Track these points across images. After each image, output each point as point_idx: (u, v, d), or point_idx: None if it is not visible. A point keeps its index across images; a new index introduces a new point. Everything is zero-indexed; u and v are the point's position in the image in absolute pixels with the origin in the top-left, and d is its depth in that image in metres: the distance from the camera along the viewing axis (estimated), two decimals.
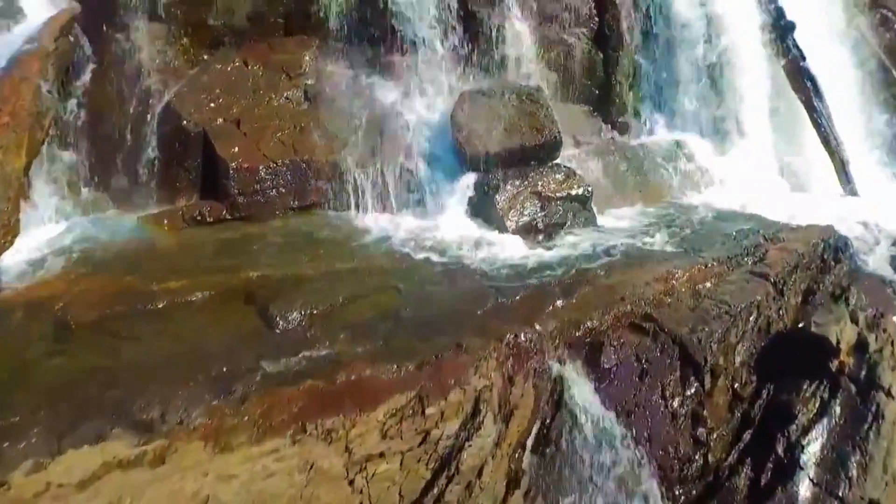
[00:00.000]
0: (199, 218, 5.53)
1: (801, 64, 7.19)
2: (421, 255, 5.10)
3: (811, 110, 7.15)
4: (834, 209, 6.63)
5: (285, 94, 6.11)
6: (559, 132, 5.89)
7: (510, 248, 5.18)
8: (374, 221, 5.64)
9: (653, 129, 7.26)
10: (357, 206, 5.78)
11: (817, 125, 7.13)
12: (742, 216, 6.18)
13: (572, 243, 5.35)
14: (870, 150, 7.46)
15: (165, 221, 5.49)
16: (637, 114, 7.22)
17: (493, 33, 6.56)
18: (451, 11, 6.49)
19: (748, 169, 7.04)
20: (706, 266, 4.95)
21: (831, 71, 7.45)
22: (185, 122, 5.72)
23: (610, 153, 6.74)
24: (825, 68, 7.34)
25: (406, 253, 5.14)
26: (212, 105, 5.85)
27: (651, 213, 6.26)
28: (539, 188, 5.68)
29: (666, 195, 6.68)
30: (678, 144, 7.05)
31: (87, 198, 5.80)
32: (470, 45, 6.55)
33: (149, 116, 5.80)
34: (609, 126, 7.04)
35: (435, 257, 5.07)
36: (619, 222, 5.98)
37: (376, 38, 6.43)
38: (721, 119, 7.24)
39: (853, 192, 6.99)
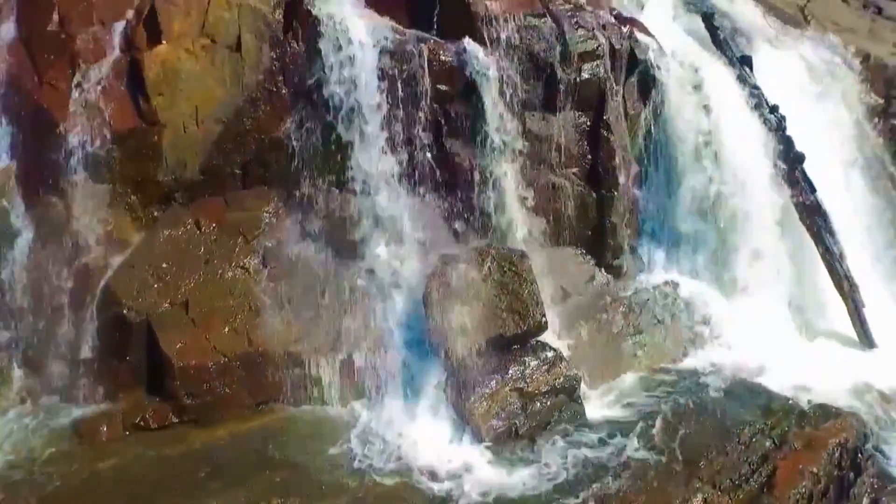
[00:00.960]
0: (141, 424, 4.89)
1: (811, 198, 6.48)
2: (383, 482, 4.47)
3: (823, 250, 6.44)
4: (850, 369, 5.98)
5: (241, 263, 5.42)
6: (543, 316, 5.21)
7: (481, 477, 4.53)
8: (334, 423, 4.99)
9: (651, 266, 6.56)
10: (318, 400, 5.13)
11: (830, 266, 6.42)
12: (749, 390, 5.55)
13: (554, 462, 4.69)
14: (887, 287, 6.74)
15: (103, 429, 4.85)
16: (633, 250, 6.52)
17: (474, 178, 5.87)
18: (425, 153, 5.82)
19: (755, 315, 6.34)
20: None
21: (843, 202, 6.75)
22: (125, 310, 5.06)
23: (602, 309, 6.04)
24: (836, 200, 6.65)
25: (366, 479, 4.50)
26: (157, 286, 5.17)
27: (648, 389, 5.60)
28: (520, 384, 5.02)
29: (666, 356, 6.01)
30: (677, 290, 6.34)
31: (21, 384, 5.18)
32: (447, 193, 5.88)
33: (88, 298, 5.14)
34: (602, 269, 6.34)
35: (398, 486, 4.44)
36: (610, 410, 5.32)
37: (341, 184, 5.75)
38: (725, 255, 6.54)
39: (870, 343, 6.30)
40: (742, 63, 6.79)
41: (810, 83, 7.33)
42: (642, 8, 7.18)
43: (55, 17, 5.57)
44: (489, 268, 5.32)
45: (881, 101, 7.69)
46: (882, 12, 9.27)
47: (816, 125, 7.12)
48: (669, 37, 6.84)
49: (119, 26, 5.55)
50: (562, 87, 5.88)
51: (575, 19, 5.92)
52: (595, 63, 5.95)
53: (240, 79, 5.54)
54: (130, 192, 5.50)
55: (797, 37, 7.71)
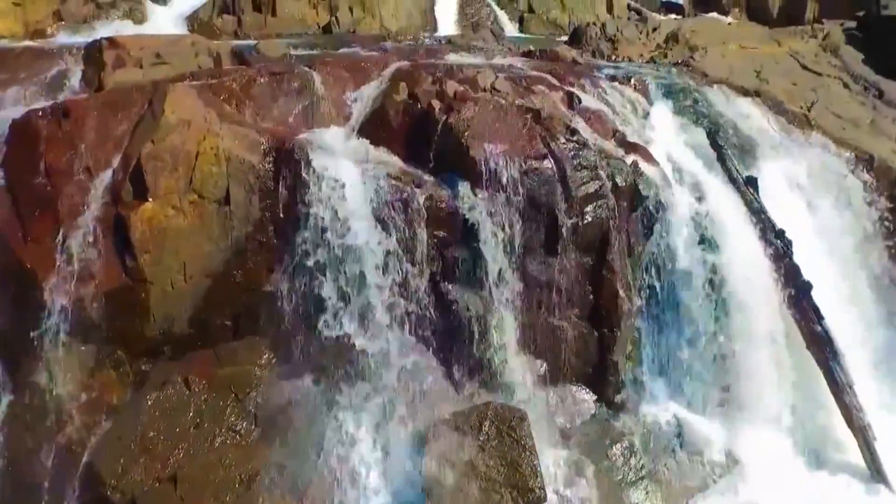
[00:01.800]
0: None
1: (819, 327, 6.18)
2: None
3: (831, 381, 6.15)
4: None
5: (233, 426, 5.13)
6: (542, 489, 4.91)
7: None
8: None
9: (654, 397, 6.27)
10: None
11: (839, 399, 6.13)
12: None
13: None
14: None
15: None
16: (636, 381, 6.22)
17: (472, 323, 5.58)
18: (421, 299, 5.53)
19: (762, 450, 6.06)
20: None
21: (851, 321, 6.47)
22: (109, 490, 4.76)
23: (605, 453, 5.76)
24: (843, 318, 6.37)
25: None
26: (143, 460, 4.87)
27: None
28: None
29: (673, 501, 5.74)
30: (681, 426, 6.06)
31: None
32: (445, 339, 5.59)
33: (69, 478, 4.85)
34: (604, 405, 6.05)
35: None
36: None
37: (335, 333, 5.45)
38: (730, 387, 6.25)
39: (883, 480, 6.01)
40: (748, 184, 6.50)
41: (815, 192, 7.05)
42: (646, 117, 6.94)
43: (41, 166, 5.28)
44: (487, 433, 5.03)
45: (889, 205, 7.40)
46: (883, 96, 8.99)
47: (822, 235, 6.88)
48: (673, 154, 6.59)
49: (106, 176, 5.27)
50: (563, 230, 5.58)
51: (577, 159, 5.62)
52: (598, 204, 5.66)
53: (229, 232, 5.26)
54: (117, 348, 5.22)
55: (802, 143, 7.42)
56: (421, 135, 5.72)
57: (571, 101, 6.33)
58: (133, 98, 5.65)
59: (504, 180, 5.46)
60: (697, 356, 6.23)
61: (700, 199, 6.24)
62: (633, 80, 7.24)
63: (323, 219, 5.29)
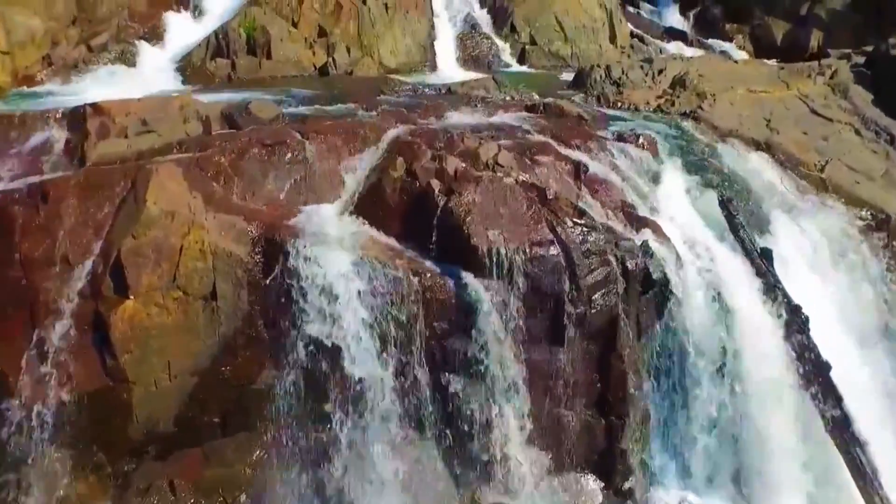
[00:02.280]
0: None
1: (838, 411, 5.82)
2: None
3: (852, 469, 5.79)
4: None
5: None
6: None
7: None
8: None
9: (663, 480, 5.92)
10: None
11: (861, 486, 5.77)
12: None
13: None
14: None
15: None
16: (644, 465, 5.86)
17: (474, 416, 5.22)
18: (420, 392, 5.18)
19: None
20: None
21: (874, 413, 6.10)
22: None
23: None
24: (866, 410, 5.99)
25: None
26: None
27: None
28: None
29: None
30: None
31: None
32: (445, 432, 5.24)
33: None
34: (612, 493, 5.69)
35: None
36: None
37: (328, 429, 5.10)
38: (742, 468, 5.90)
39: None
40: (762, 257, 6.13)
41: (831, 260, 6.69)
42: (656, 182, 6.58)
43: (17, 256, 4.92)
44: None
45: None
46: (895, 142, 8.64)
47: (839, 309, 6.52)
48: (685, 224, 6.23)
49: (85, 267, 4.91)
50: (570, 320, 5.22)
51: (585, 245, 5.25)
52: (607, 290, 5.29)
53: (216, 328, 4.89)
54: (97, 451, 4.86)
55: (816, 204, 7.05)
56: (420, 215, 5.35)
57: (578, 171, 5.96)
58: (115, 178, 5.28)
59: (507, 269, 5.10)
60: (709, 439, 5.89)
61: (712, 275, 5.88)
62: (641, 139, 6.88)
63: (316, 312, 4.94)
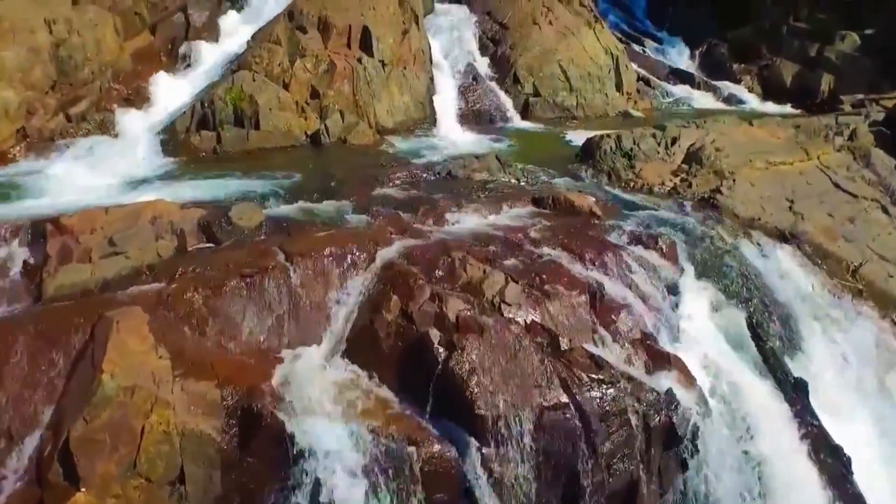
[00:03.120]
0: None
1: None
2: None
3: None
4: None
5: None
6: None
7: None
8: None
9: None
10: None
11: None
12: None
13: None
14: None
15: None
16: None
17: None
18: None
19: None
20: None
21: None
22: None
23: None
24: None
25: None
26: None
27: None
28: None
29: None
30: None
31: None
32: None
33: None
34: None
35: None
36: None
37: None
38: None
39: None
40: (797, 389, 5.41)
41: (872, 384, 5.96)
42: (675, 293, 5.85)
43: None
44: None
45: None
46: None
47: (882, 433, 5.80)
48: (709, 352, 5.50)
49: (31, 443, 4.18)
50: (586, 489, 4.50)
51: (604, 405, 4.52)
52: (627, 453, 4.56)
53: None
54: None
55: (850, 310, 6.32)
56: (418, 368, 4.61)
57: (594, 299, 5.23)
58: (72, 324, 4.56)
59: (516, 436, 4.37)
60: None
61: (741, 416, 5.16)
62: (659, 242, 6.15)
63: (302, 491, 4.21)
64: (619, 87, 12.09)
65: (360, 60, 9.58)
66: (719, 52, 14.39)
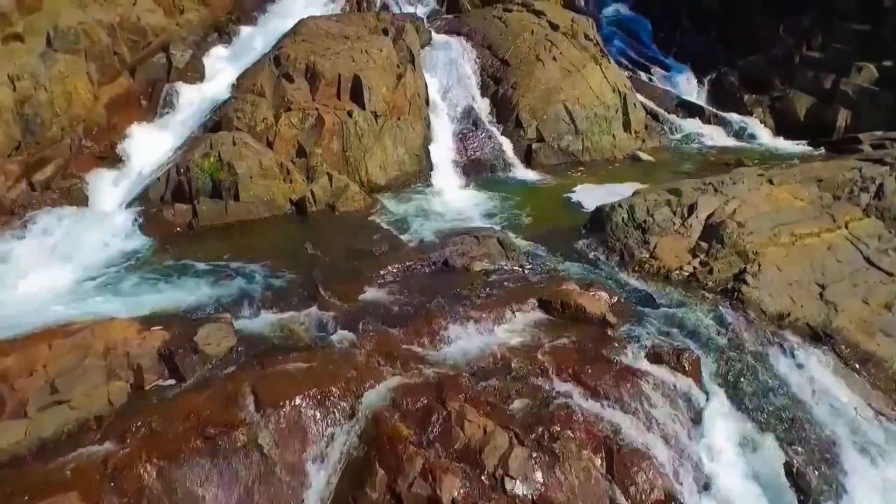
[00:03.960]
0: None
1: None
2: None
3: None
4: None
5: None
6: None
7: None
8: None
9: None
10: None
11: None
12: None
13: None
14: None
15: None
16: None
17: None
18: None
19: None
20: None
21: None
22: None
23: None
24: None
25: None
26: None
27: None
28: None
29: None
30: None
31: None
32: None
33: None
34: None
35: None
36: None
37: None
38: None
39: None
40: None
41: None
42: (698, 422, 5.06)
43: None
44: None
45: None
46: None
47: None
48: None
49: None
50: None
51: None
52: None
53: None
54: None
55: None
56: None
57: (610, 454, 4.43)
58: None
59: None
60: None
61: None
62: (682, 359, 5.35)
63: None
64: (626, 126, 11.21)
65: (350, 114, 8.72)
66: (729, 82, 13.48)
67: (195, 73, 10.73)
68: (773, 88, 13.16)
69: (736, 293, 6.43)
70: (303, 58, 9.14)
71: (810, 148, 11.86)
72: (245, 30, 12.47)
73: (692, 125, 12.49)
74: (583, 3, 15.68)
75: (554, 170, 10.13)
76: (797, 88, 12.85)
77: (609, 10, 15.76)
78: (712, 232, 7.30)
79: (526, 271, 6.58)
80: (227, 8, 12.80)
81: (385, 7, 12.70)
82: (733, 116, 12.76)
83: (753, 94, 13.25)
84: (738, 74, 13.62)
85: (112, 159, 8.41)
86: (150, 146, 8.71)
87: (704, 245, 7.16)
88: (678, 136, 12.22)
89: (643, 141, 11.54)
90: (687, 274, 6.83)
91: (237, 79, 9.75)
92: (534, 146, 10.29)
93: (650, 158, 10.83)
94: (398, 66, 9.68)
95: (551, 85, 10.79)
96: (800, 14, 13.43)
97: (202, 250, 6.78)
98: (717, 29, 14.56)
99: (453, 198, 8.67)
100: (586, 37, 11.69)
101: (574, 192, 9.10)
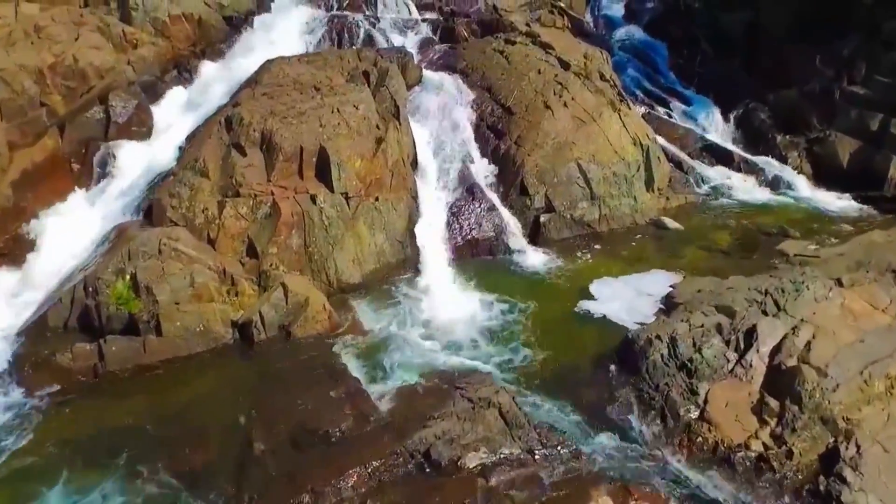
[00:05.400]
0: None
1: None
2: None
3: None
4: None
5: None
6: None
7: None
8: None
9: None
10: None
11: None
12: None
13: None
14: None
15: None
16: None
17: None
18: None
19: None
20: None
21: None
22: None
23: None
24: None
25: None
26: None
27: None
28: None
29: None
30: None
31: None
32: None
33: None
34: None
35: None
36: None
37: None
38: None
39: None
40: None
41: None
42: None
43: None
44: None
45: None
46: None
47: None
48: None
49: None
50: None
51: None
52: None
53: None
54: None
55: None
56: None
57: None
58: None
59: None
60: None
61: None
62: None
63: None
64: (649, 183, 9.03)
65: (314, 199, 6.55)
66: (759, 119, 11.22)
67: (140, 128, 8.54)
68: (809, 128, 10.90)
69: (833, 501, 4.34)
70: (259, 121, 6.96)
71: (858, 204, 9.69)
72: (208, 67, 10.22)
73: (720, 174, 10.29)
74: (592, 26, 13.41)
75: (565, 248, 7.96)
76: (838, 129, 10.58)
77: (621, 33, 13.45)
78: (783, 382, 5.19)
79: (537, 459, 4.47)
80: (190, 40, 10.53)
81: (369, 39, 10.44)
82: (766, 163, 10.55)
83: (787, 134, 10.99)
84: (769, 110, 11.38)
85: (12, 257, 6.29)
86: (67, 237, 6.59)
87: (774, 404, 5.06)
88: (705, 188, 10.03)
89: (667, 199, 9.35)
90: (755, 455, 4.73)
91: (184, 141, 7.61)
92: (542, 219, 8.11)
93: (677, 226, 8.66)
94: (378, 126, 7.50)
95: (562, 139, 8.59)
96: (840, 41, 11.15)
97: (105, 417, 4.70)
98: (741, 55, 12.28)
99: (443, 302, 6.52)
100: (602, 76, 9.45)
101: (592, 287, 6.96)
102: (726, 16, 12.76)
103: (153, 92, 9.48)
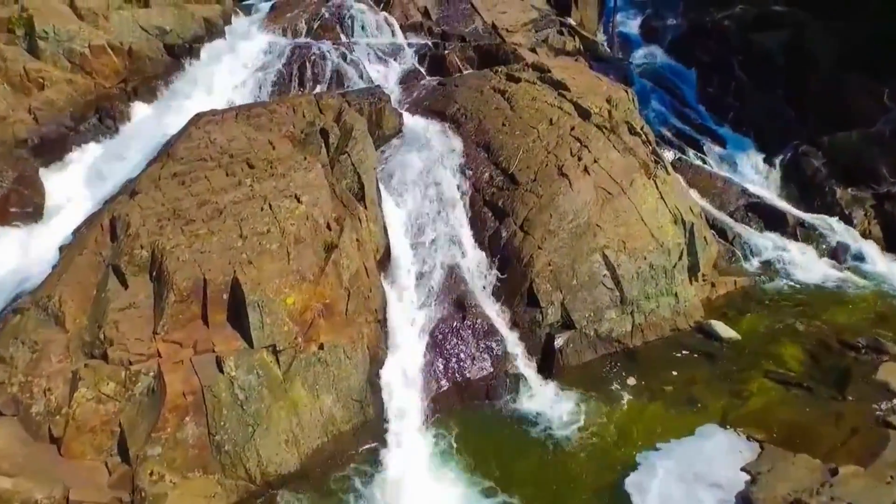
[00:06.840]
0: None
1: None
2: None
3: None
4: None
5: None
6: None
7: None
8: None
9: None
10: None
11: None
12: None
13: None
14: None
15: None
16: None
17: None
18: None
19: None
20: None
21: None
22: None
23: None
24: None
25: None
26: None
27: None
28: None
29: None
30: None
31: None
32: None
33: None
34: None
35: None
36: None
37: None
38: None
39: None
40: None
41: None
42: None
43: None
44: None
45: None
46: None
47: None
48: None
49: None
50: None
51: None
52: None
53: None
54: None
55: None
56: None
57: None
58: None
59: None
60: None
61: None
62: None
63: None
64: (692, 272, 6.53)
65: (220, 365, 4.07)
66: (811, 166, 8.69)
67: (22, 209, 6.05)
68: (878, 181, 8.36)
69: None
70: (152, 231, 4.44)
71: None
72: (141, 111, 7.74)
73: (772, 242, 7.77)
74: (606, 48, 10.79)
75: (589, 380, 5.45)
76: None
77: (639, 55, 10.82)
78: None
79: None
80: (119, 76, 7.98)
81: (336, 76, 7.85)
82: (828, 226, 8.03)
83: (850, 187, 8.45)
84: (823, 156, 8.81)
85: None
86: None
87: None
88: (755, 262, 7.52)
89: (712, 285, 6.84)
90: None
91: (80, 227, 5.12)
92: (558, 342, 5.60)
93: (731, 335, 6.13)
94: (329, 224, 4.98)
95: (583, 220, 6.05)
96: None
97: None
98: (784, 85, 9.67)
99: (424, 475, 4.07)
100: (631, 129, 6.89)
101: (637, 470, 4.49)
102: (762, 36, 10.13)
103: (59, 149, 6.99)
